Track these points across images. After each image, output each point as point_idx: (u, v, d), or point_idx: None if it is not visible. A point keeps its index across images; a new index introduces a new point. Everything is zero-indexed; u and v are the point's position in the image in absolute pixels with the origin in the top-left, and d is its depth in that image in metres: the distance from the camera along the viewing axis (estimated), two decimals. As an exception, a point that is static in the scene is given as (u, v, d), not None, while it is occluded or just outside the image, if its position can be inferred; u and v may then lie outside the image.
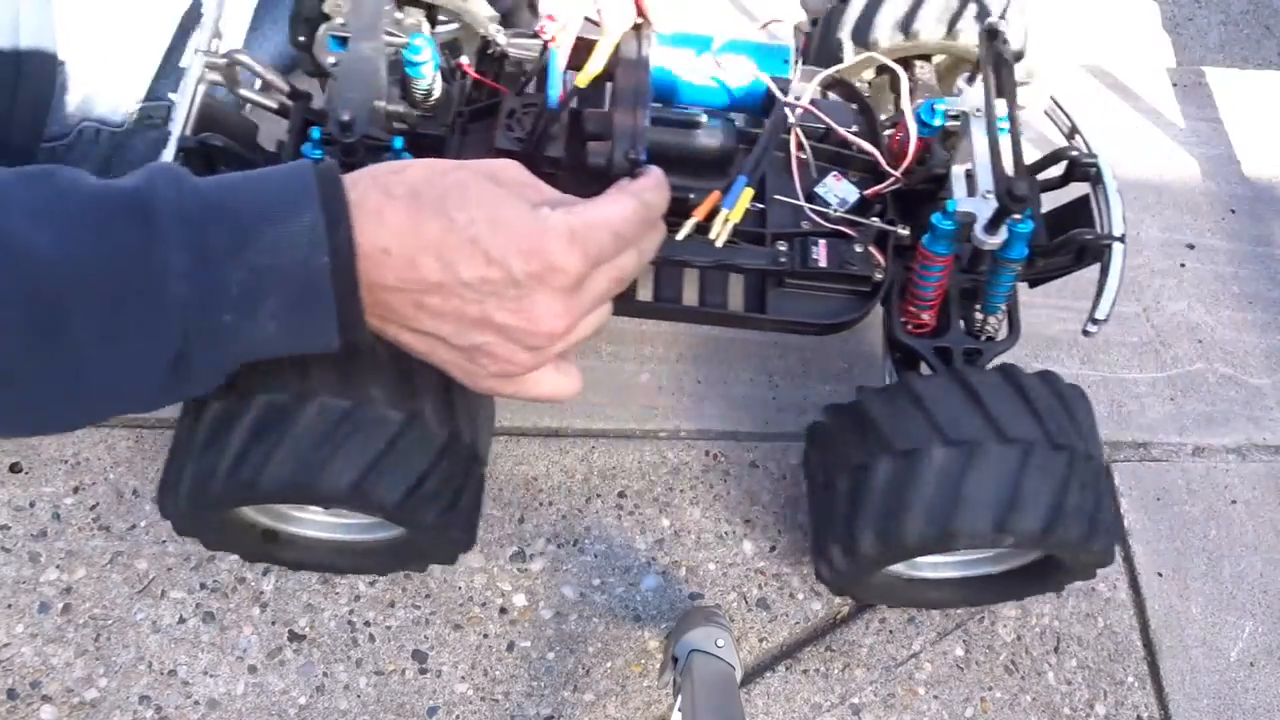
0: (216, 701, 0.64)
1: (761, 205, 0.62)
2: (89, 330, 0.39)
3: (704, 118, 0.60)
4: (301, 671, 0.66)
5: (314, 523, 0.65)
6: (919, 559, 0.67)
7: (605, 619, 0.70)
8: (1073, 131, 0.65)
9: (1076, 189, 0.65)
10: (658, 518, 0.74)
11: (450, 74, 0.62)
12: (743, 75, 0.63)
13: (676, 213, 0.57)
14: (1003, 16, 0.62)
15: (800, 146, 0.62)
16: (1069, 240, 0.61)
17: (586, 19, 0.58)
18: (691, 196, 0.58)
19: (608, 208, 0.47)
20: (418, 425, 0.53)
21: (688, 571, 0.72)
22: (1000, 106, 0.58)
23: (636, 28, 0.60)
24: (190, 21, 0.72)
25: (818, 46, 0.75)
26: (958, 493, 0.55)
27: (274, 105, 0.61)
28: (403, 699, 0.66)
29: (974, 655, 0.72)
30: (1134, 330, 0.88)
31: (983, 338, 0.64)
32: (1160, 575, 0.76)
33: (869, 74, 0.73)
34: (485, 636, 0.68)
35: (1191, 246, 0.94)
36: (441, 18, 0.64)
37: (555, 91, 0.56)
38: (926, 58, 0.73)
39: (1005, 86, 0.59)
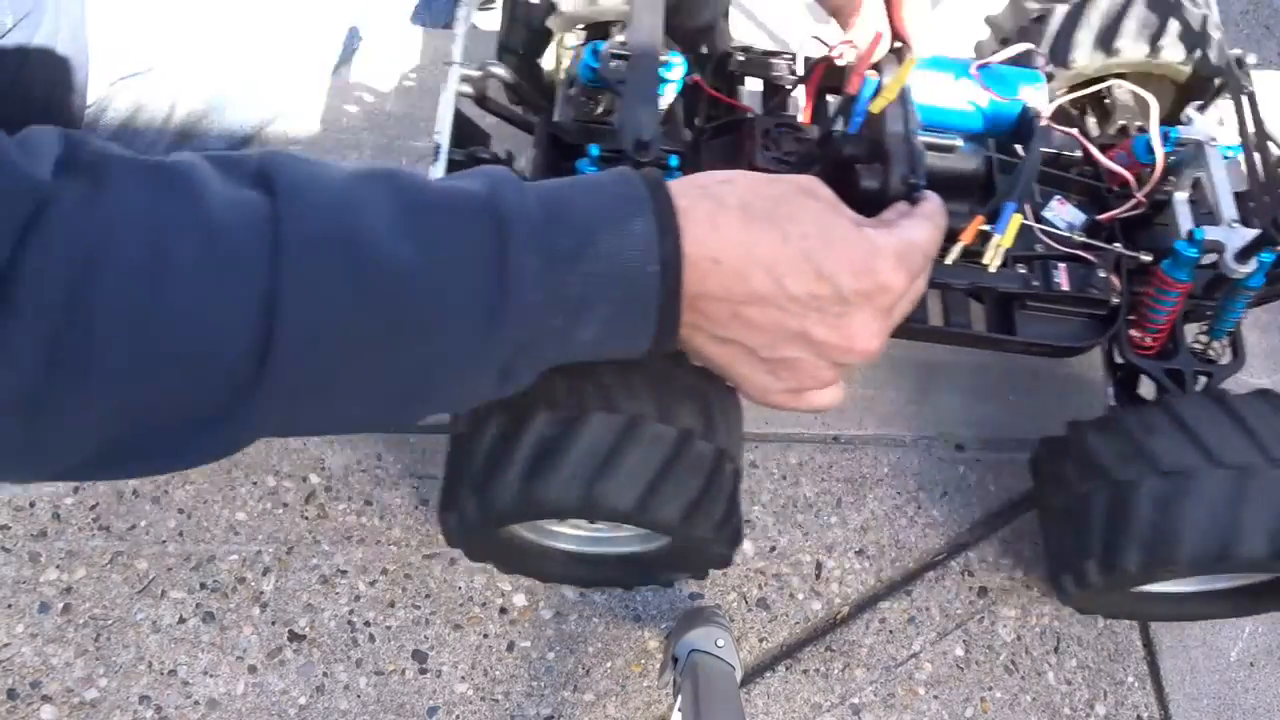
0: (216, 701, 0.64)
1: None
2: (443, 336, 0.39)
3: (960, 141, 0.61)
4: (301, 671, 0.66)
5: (574, 537, 0.66)
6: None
7: (605, 619, 0.70)
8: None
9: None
10: (658, 518, 0.74)
11: (688, 92, 0.63)
12: (1001, 100, 0.63)
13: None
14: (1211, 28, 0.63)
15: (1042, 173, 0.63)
16: None
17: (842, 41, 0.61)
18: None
19: (918, 230, 0.48)
20: (691, 441, 0.53)
21: (688, 571, 0.72)
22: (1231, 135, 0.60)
23: (896, 51, 0.61)
24: None
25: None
26: (1236, 517, 0.56)
27: (525, 118, 0.62)
28: (403, 699, 0.66)
29: (974, 655, 0.72)
30: (1134, 330, 0.88)
31: (1206, 360, 0.65)
32: (1160, 575, 0.76)
33: (1061, 91, 0.72)
34: (485, 636, 0.68)
35: (1191, 246, 0.94)
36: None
37: (860, 120, 0.58)
38: (1123, 75, 0.72)
39: (1247, 115, 0.60)
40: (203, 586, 0.67)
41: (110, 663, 0.65)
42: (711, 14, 0.66)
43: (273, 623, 0.67)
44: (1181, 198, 0.62)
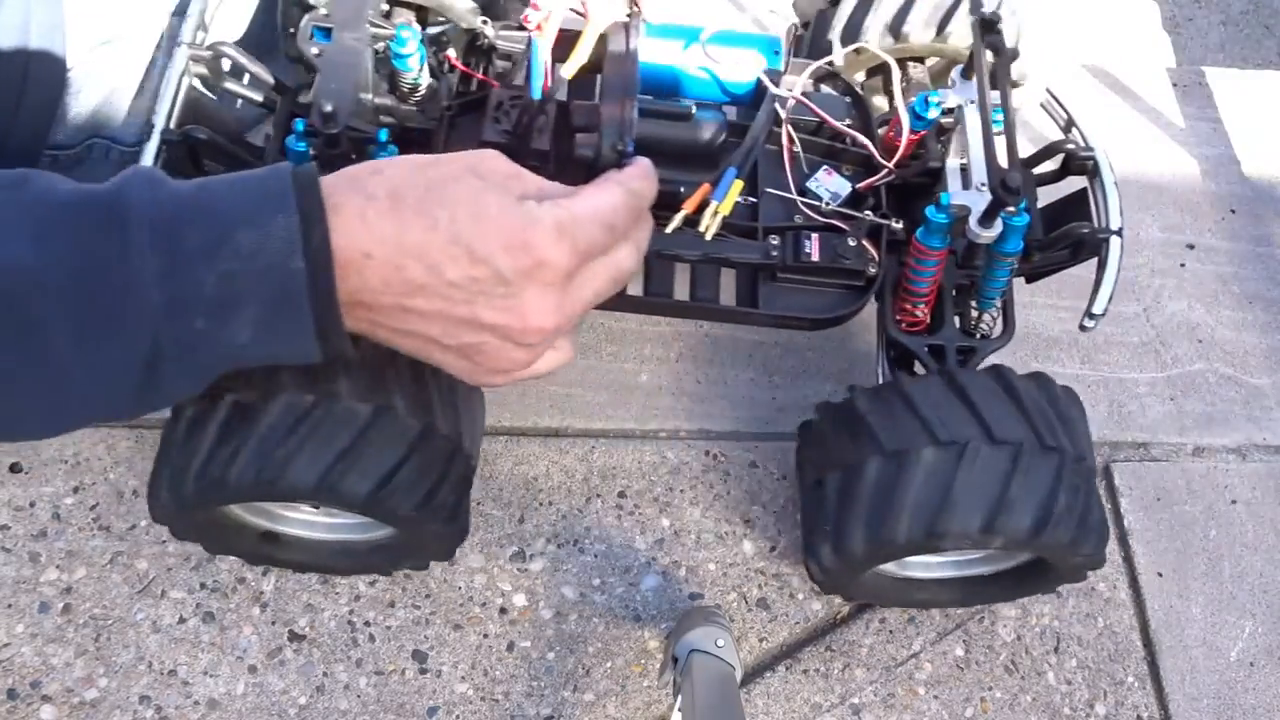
0: (216, 701, 0.64)
1: (754, 200, 0.62)
2: (63, 337, 0.39)
3: (694, 109, 0.59)
4: (301, 671, 0.66)
5: (308, 523, 0.65)
6: (909, 559, 0.67)
7: (605, 619, 0.70)
8: (1069, 125, 0.65)
9: (1076, 185, 0.65)
10: (658, 518, 0.74)
11: (439, 68, 0.62)
12: (733, 67, 0.62)
13: (666, 206, 0.57)
14: (996, 11, 0.62)
15: (792, 140, 0.62)
16: (1065, 234, 0.60)
17: (572, 10, 0.57)
18: (681, 189, 0.57)
19: (596, 198, 0.46)
20: (389, 417, 0.53)
21: (688, 571, 0.72)
22: (995, 99, 0.58)
23: (626, 18, 0.59)
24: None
25: (809, 52, 0.75)
26: (947, 494, 0.55)
27: (259, 98, 0.61)
28: (403, 699, 0.66)
29: (974, 655, 0.72)
30: (1134, 330, 0.88)
31: (978, 335, 0.64)
32: (1160, 575, 0.76)
33: (860, 76, 0.73)
34: (485, 636, 0.68)
35: (1191, 246, 0.94)
36: (433, 19, 0.64)
37: (539, 82, 0.55)
38: (920, 60, 0.73)
39: (1000, 77, 0.59)
40: (203, 586, 0.67)
41: (110, 663, 0.65)
42: None
43: (273, 623, 0.67)
44: (954, 165, 0.60)
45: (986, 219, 0.56)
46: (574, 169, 0.56)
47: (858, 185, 0.62)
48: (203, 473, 0.52)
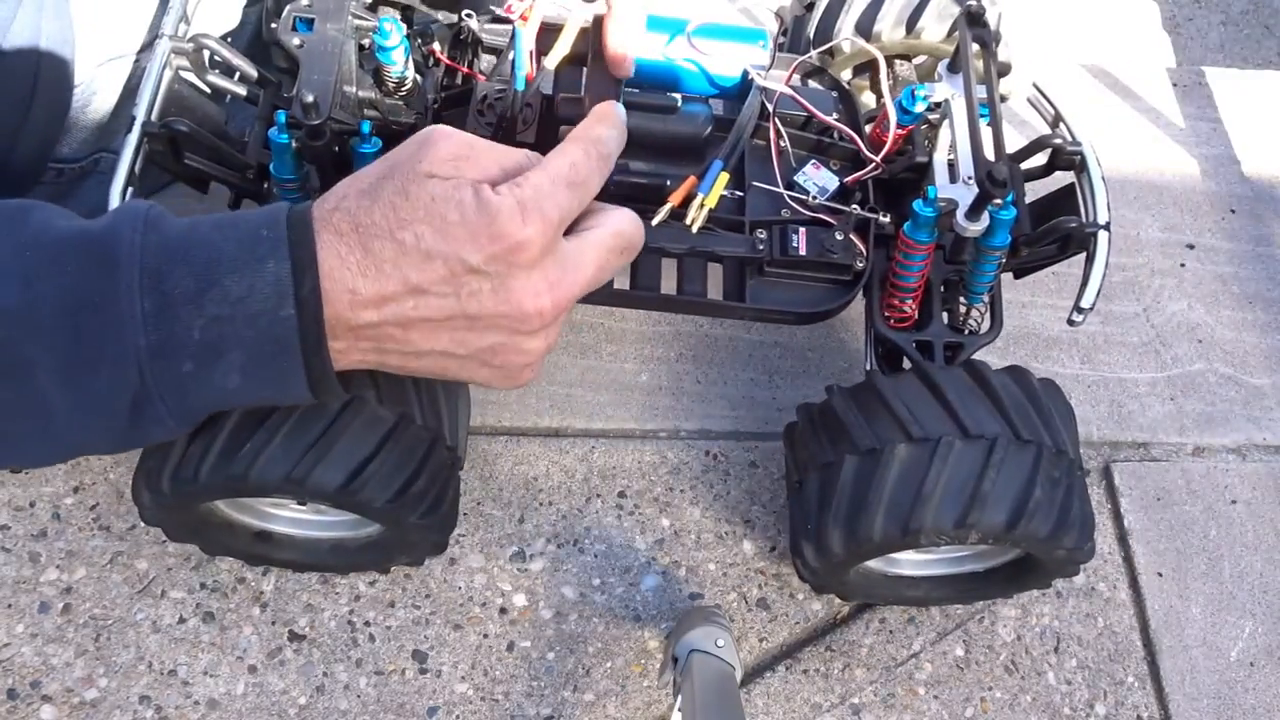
0: (216, 701, 0.64)
1: (741, 193, 0.62)
2: (51, 376, 0.40)
3: (679, 102, 0.59)
4: (301, 671, 0.66)
5: (298, 521, 0.65)
6: (898, 556, 0.67)
7: (605, 619, 0.70)
8: (1057, 120, 0.65)
9: (1064, 180, 0.65)
10: (658, 518, 0.74)
11: (424, 62, 0.62)
12: (720, 59, 0.62)
13: (653, 199, 0.57)
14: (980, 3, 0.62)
15: (779, 134, 0.62)
16: (1053, 229, 0.60)
17: (557, 0, 0.57)
18: (668, 183, 0.57)
19: (553, 162, 0.45)
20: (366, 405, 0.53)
21: (688, 571, 0.72)
22: (981, 92, 0.58)
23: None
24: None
25: (789, 51, 0.75)
26: (920, 490, 0.55)
27: (242, 91, 0.60)
28: (403, 699, 0.66)
29: (974, 655, 0.72)
30: (1134, 330, 0.88)
31: (966, 331, 0.64)
32: (1160, 575, 0.76)
33: (847, 74, 0.74)
34: (485, 636, 0.68)
35: (1191, 246, 0.94)
36: (419, 17, 0.63)
37: (523, 73, 0.55)
38: (907, 57, 0.73)
39: (987, 71, 0.59)
40: (203, 586, 0.67)
41: (110, 663, 0.65)
42: None
43: (273, 623, 0.67)
44: (941, 160, 0.60)
45: (973, 212, 0.56)
46: None
47: (845, 180, 0.62)
48: (177, 472, 0.52)
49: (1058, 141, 0.63)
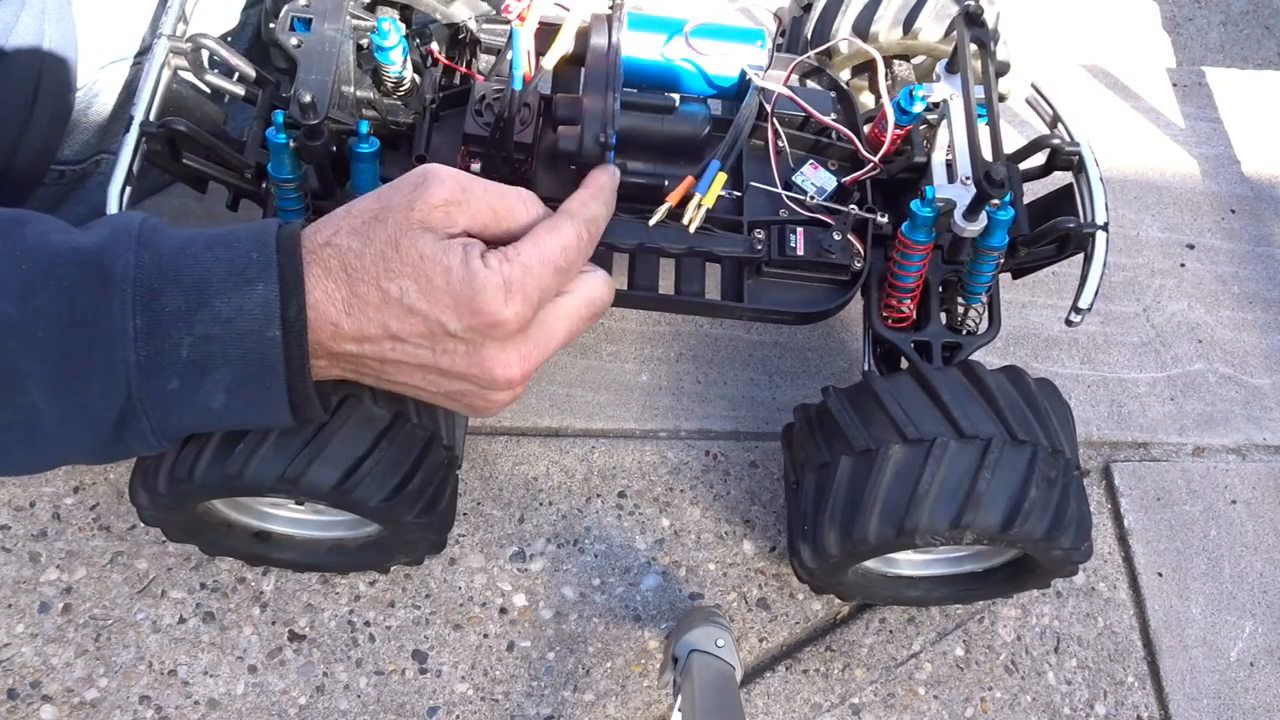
0: (216, 701, 0.64)
1: (739, 194, 0.62)
2: (40, 388, 0.40)
3: (677, 102, 0.59)
4: (301, 671, 0.66)
5: (297, 520, 0.65)
6: (896, 556, 0.67)
7: (605, 619, 0.70)
8: (1055, 120, 0.65)
9: (1063, 180, 0.65)
10: (658, 518, 0.74)
11: (422, 62, 0.62)
12: (717, 59, 0.62)
13: (650, 199, 0.57)
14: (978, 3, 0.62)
15: (777, 134, 0.62)
16: (1051, 229, 0.60)
17: (555, 1, 0.57)
18: (665, 183, 0.57)
19: (544, 242, 0.46)
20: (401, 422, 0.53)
21: (688, 571, 0.72)
22: (979, 92, 0.58)
23: (609, 10, 0.59)
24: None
25: (786, 51, 0.75)
26: (914, 490, 0.55)
27: (240, 91, 0.60)
28: (403, 699, 0.66)
29: (974, 655, 0.72)
30: (1134, 330, 0.88)
31: (964, 331, 0.64)
32: (1160, 575, 0.76)
33: (845, 74, 0.74)
34: (485, 636, 0.68)
35: (1191, 246, 0.94)
36: (417, 16, 0.63)
37: (521, 73, 0.55)
38: (905, 57, 0.73)
39: (985, 72, 0.59)
40: (203, 586, 0.67)
41: (110, 663, 0.65)
42: None
43: (273, 623, 0.67)
44: (939, 160, 0.60)
45: (971, 212, 0.56)
46: (559, 162, 0.55)
47: (843, 180, 0.62)
48: (173, 472, 0.52)
49: (1056, 142, 0.63)
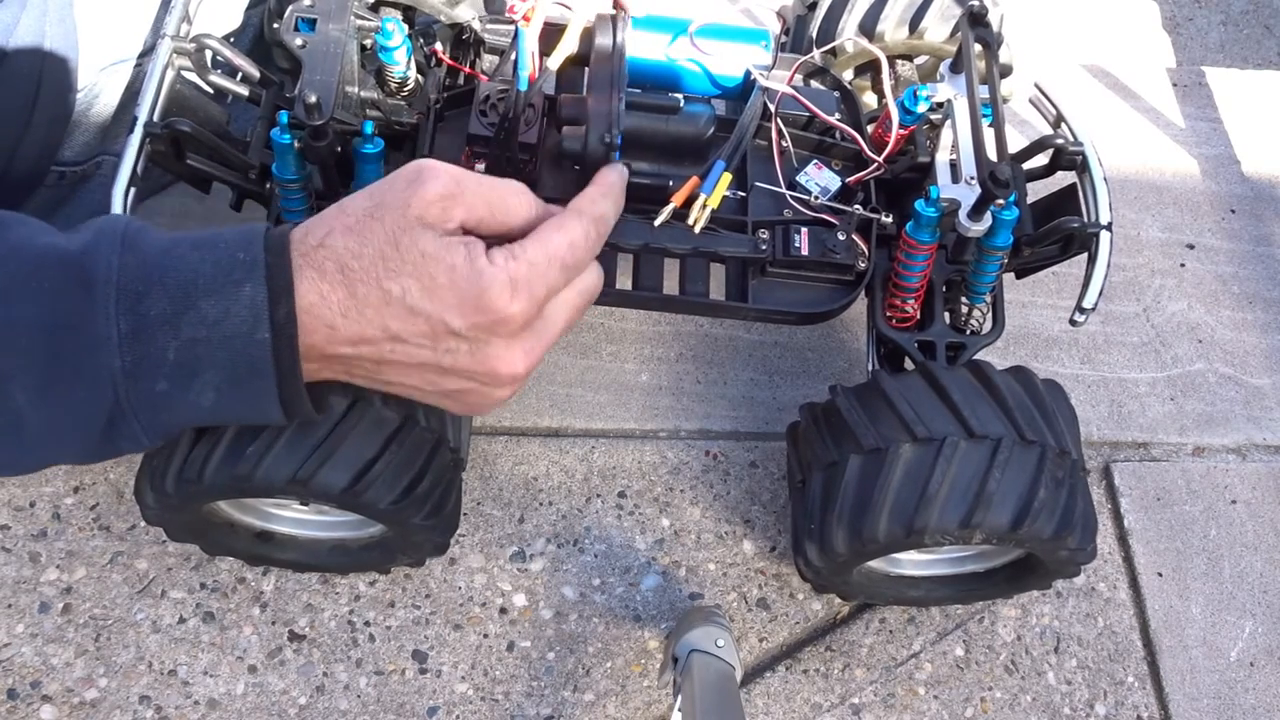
0: (216, 701, 0.64)
1: (743, 194, 0.62)
2: (25, 392, 0.40)
3: (681, 103, 0.59)
4: (301, 671, 0.66)
5: (301, 521, 0.65)
6: (900, 556, 0.67)
7: (605, 619, 0.69)
8: (1059, 120, 0.65)
9: (1066, 179, 0.65)
10: (658, 518, 0.74)
11: (426, 62, 0.62)
12: (722, 60, 0.62)
13: (655, 199, 0.57)
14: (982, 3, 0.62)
15: (781, 134, 0.62)
16: (1055, 229, 0.60)
17: (559, 1, 0.57)
18: (670, 183, 0.57)
19: (551, 240, 0.45)
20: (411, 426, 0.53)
21: (688, 571, 0.72)
22: (984, 92, 0.58)
23: (615, 7, 0.59)
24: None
25: (791, 51, 0.75)
26: (925, 490, 0.55)
27: (245, 92, 0.60)
28: (403, 699, 0.66)
29: (974, 655, 0.72)
30: (1134, 330, 0.88)
31: (968, 331, 0.64)
32: (1160, 575, 0.76)
33: (849, 74, 0.74)
34: (485, 636, 0.68)
35: (1191, 246, 0.94)
36: (419, 16, 0.63)
37: (525, 73, 0.54)
38: (909, 57, 0.73)
39: (989, 72, 0.59)
40: (203, 586, 0.67)
41: (110, 663, 0.65)
42: None
43: (273, 623, 0.67)
44: (944, 160, 0.60)
45: (976, 212, 0.56)
46: (563, 162, 0.55)
47: (847, 180, 0.62)
48: (181, 472, 0.52)
49: (1060, 142, 0.63)
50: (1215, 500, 0.80)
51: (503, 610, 0.69)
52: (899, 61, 0.72)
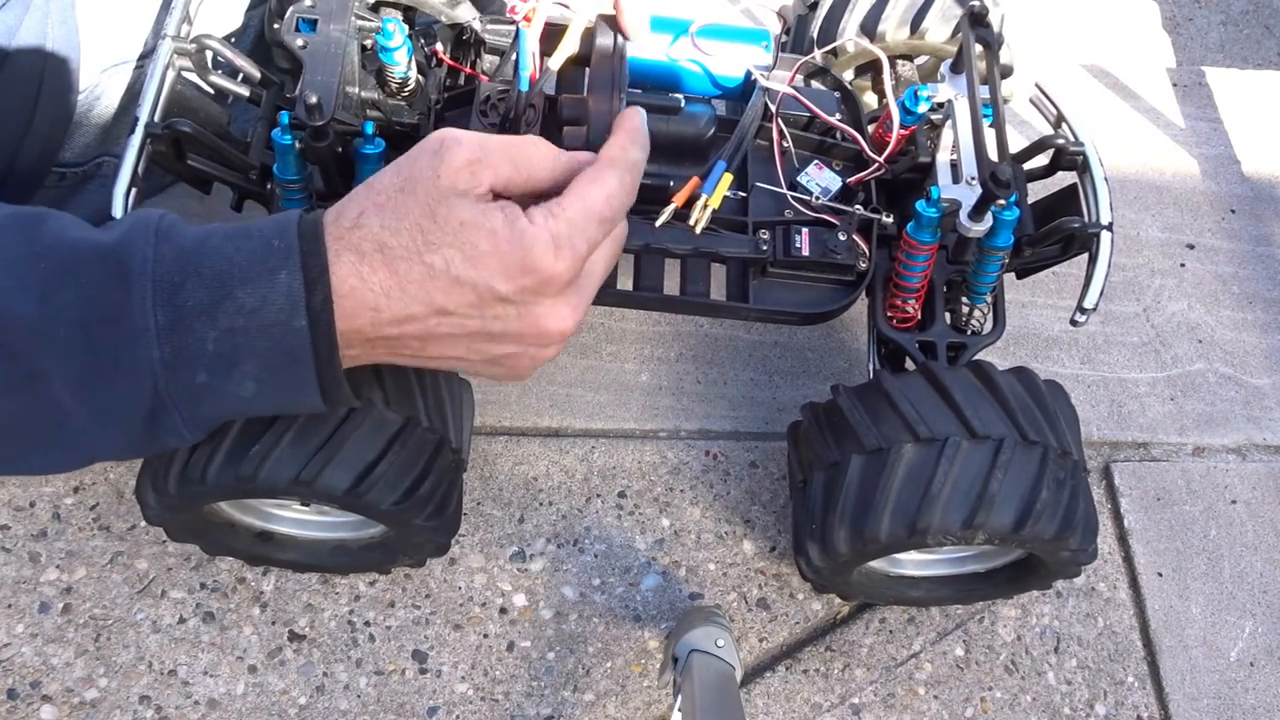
0: (216, 701, 0.64)
1: (744, 194, 0.62)
2: (66, 388, 0.40)
3: (682, 103, 0.59)
4: (301, 671, 0.66)
5: (301, 521, 0.65)
6: (901, 556, 0.67)
7: (605, 619, 0.70)
8: (1059, 120, 0.65)
9: (1067, 180, 0.65)
10: (658, 518, 0.74)
11: (427, 63, 0.62)
12: (723, 60, 0.62)
13: (656, 200, 0.57)
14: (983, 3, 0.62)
15: (782, 134, 0.62)
16: (1056, 229, 0.60)
17: (559, 2, 0.57)
18: (671, 183, 0.57)
19: (589, 194, 0.45)
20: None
21: (688, 571, 0.72)
22: (984, 92, 0.58)
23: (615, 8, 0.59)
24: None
25: (791, 51, 0.75)
26: (927, 490, 0.55)
27: (245, 93, 0.60)
28: (403, 699, 0.66)
29: (974, 655, 0.72)
30: (1134, 330, 0.88)
31: (968, 331, 0.64)
32: (1160, 575, 0.76)
33: (849, 75, 0.74)
34: (485, 636, 0.68)
35: (1191, 246, 0.94)
36: (420, 16, 0.64)
37: (526, 74, 0.55)
38: (909, 57, 0.73)
39: (990, 72, 0.59)
40: (203, 586, 0.67)
41: (110, 663, 0.65)
42: None
43: (273, 623, 0.67)
44: (944, 160, 0.60)
45: (977, 213, 0.56)
46: None
47: (848, 180, 0.62)
48: (184, 472, 0.52)
49: (1060, 142, 0.63)
50: (1215, 500, 0.80)
51: (503, 610, 0.69)
52: (900, 62, 0.72)
